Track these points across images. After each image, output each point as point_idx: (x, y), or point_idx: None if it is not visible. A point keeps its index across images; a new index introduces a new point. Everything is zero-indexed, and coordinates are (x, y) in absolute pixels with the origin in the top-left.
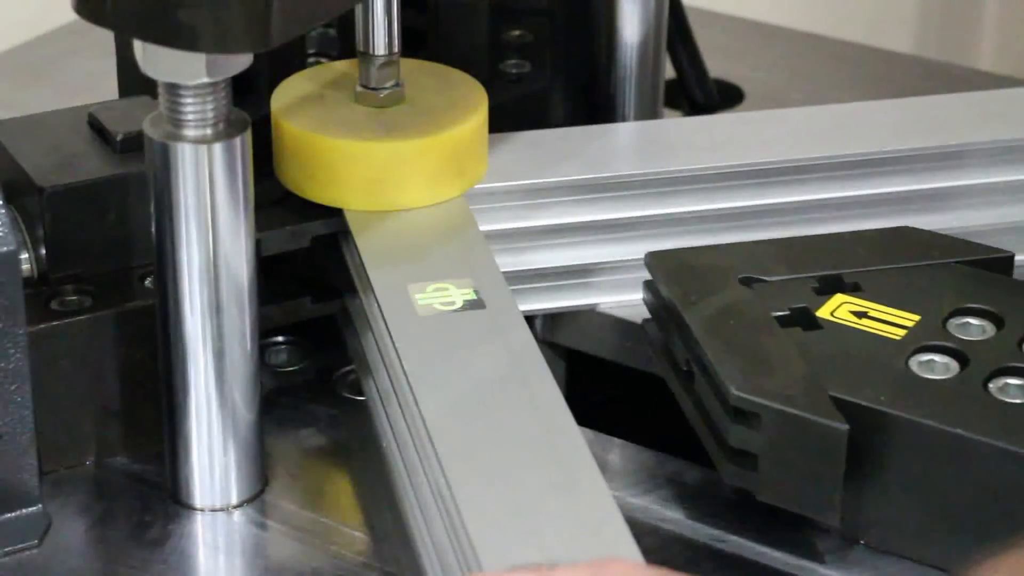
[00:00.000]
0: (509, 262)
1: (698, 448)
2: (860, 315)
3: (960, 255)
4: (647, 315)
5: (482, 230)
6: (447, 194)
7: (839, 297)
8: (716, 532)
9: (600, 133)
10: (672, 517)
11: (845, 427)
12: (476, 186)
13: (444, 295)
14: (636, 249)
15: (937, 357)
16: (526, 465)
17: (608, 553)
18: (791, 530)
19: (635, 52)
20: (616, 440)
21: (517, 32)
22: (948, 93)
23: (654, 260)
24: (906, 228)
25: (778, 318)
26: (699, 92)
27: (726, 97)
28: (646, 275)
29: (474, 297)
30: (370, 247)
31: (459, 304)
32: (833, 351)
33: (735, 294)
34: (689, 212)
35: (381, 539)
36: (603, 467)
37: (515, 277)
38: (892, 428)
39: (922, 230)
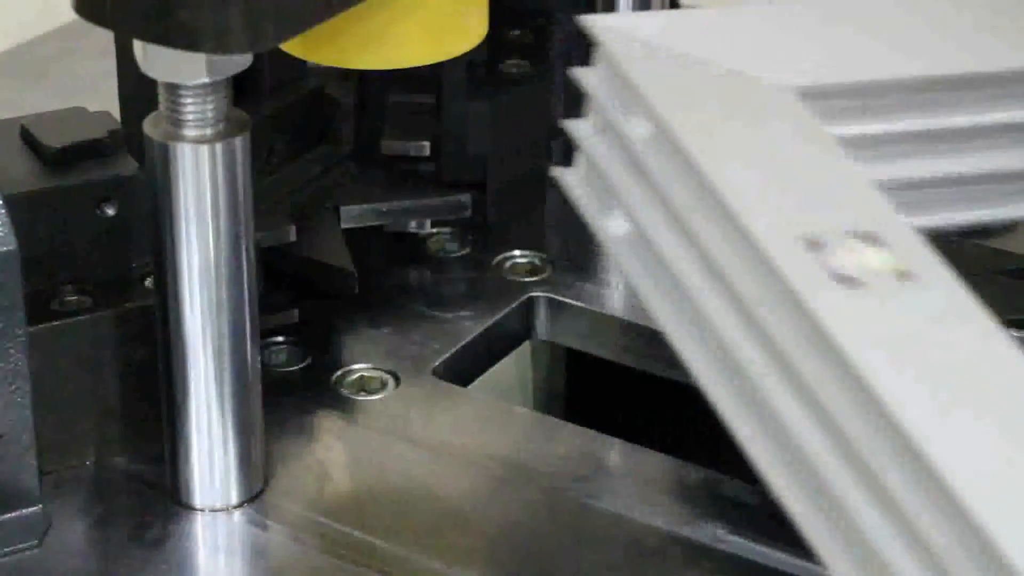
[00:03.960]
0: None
1: (698, 448)
2: None
3: (1002, 265)
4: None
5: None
6: (450, 50)
7: None
8: (716, 532)
9: None
10: (672, 517)
11: None
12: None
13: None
14: None
15: None
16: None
17: None
18: (791, 530)
19: None
20: (616, 440)
21: (517, 32)
22: None
23: None
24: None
25: None
26: None
27: None
28: None
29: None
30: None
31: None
32: None
33: None
34: None
35: (381, 539)
36: (602, 467)
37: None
38: None
39: (963, 242)
